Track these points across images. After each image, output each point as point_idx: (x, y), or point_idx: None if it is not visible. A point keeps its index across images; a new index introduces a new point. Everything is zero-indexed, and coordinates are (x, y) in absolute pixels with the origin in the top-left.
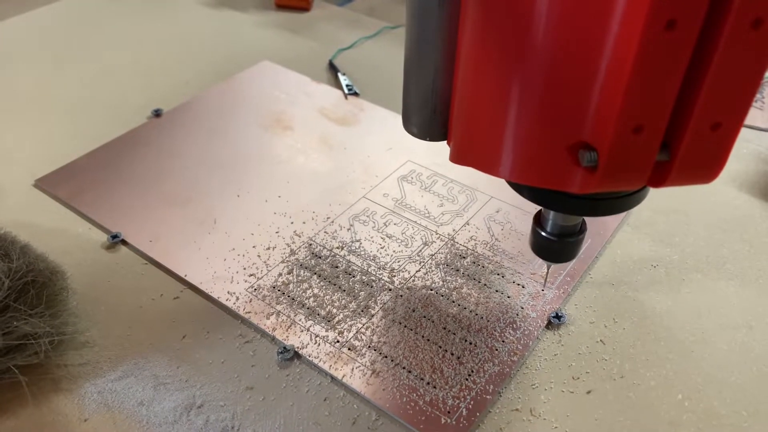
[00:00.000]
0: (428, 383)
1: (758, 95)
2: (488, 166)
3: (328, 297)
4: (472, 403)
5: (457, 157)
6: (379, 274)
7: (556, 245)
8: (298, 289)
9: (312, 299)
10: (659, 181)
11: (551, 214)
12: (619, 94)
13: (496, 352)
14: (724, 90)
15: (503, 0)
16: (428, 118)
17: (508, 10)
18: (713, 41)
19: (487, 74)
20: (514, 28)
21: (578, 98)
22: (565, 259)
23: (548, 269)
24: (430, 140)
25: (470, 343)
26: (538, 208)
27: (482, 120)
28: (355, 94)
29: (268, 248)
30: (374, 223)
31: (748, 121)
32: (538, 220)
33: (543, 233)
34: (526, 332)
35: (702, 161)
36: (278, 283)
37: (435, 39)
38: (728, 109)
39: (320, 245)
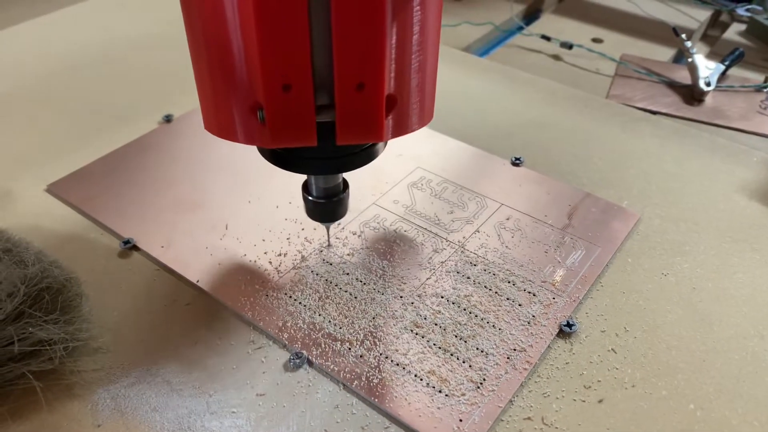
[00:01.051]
0: (439, 391)
1: (767, 103)
2: (218, 132)
3: (339, 304)
4: (483, 411)
5: (204, 124)
6: (390, 281)
7: (322, 206)
8: (310, 295)
9: (323, 306)
10: (335, 138)
11: (312, 179)
12: (256, 55)
13: (508, 359)
14: (353, 51)
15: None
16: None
17: (184, 6)
18: (327, 2)
19: (191, 53)
20: (187, 16)
21: (236, 64)
22: (336, 217)
23: (328, 230)
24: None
25: (481, 351)
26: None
27: (203, 92)
28: None
29: (280, 254)
30: (384, 229)
31: (757, 128)
32: (306, 188)
33: (311, 197)
34: (537, 340)
35: (361, 120)
36: (290, 290)
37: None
38: (365, 69)
39: (331, 251)
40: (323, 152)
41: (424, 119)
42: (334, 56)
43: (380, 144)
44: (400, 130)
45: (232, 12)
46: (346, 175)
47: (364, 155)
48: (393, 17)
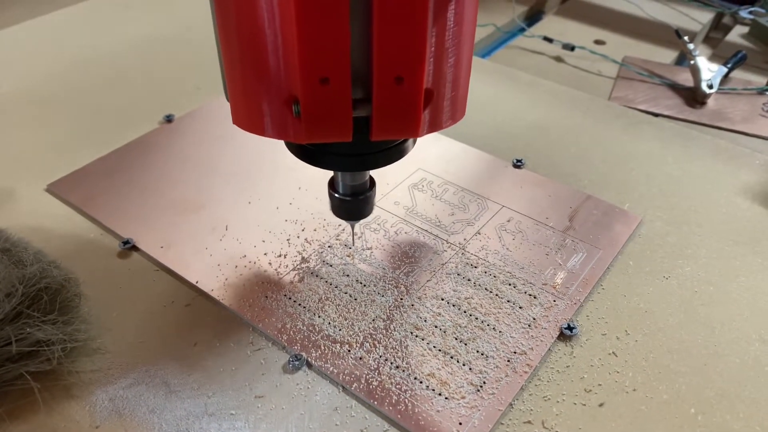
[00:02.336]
0: (439, 394)
1: None
2: (248, 126)
3: (339, 305)
4: (483, 414)
5: (233, 119)
6: (390, 283)
7: (349, 204)
8: (310, 297)
9: (323, 307)
10: (369, 133)
11: (339, 176)
12: (295, 49)
13: (508, 362)
14: (393, 45)
15: None
16: (223, 79)
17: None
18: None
19: (223, 46)
20: (220, 8)
21: (274, 58)
22: (362, 216)
23: (353, 229)
24: (228, 101)
25: (482, 354)
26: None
27: (234, 85)
28: None
29: (280, 255)
30: (385, 231)
31: (759, 131)
32: (332, 185)
33: (337, 195)
34: (538, 343)
35: (397, 114)
36: (290, 291)
37: (211, 8)
38: (405, 63)
39: (331, 253)
40: (355, 148)
41: (457, 115)
42: (374, 49)
43: (410, 141)
44: (434, 125)
45: (271, 4)
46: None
47: (395, 152)
48: (434, 10)
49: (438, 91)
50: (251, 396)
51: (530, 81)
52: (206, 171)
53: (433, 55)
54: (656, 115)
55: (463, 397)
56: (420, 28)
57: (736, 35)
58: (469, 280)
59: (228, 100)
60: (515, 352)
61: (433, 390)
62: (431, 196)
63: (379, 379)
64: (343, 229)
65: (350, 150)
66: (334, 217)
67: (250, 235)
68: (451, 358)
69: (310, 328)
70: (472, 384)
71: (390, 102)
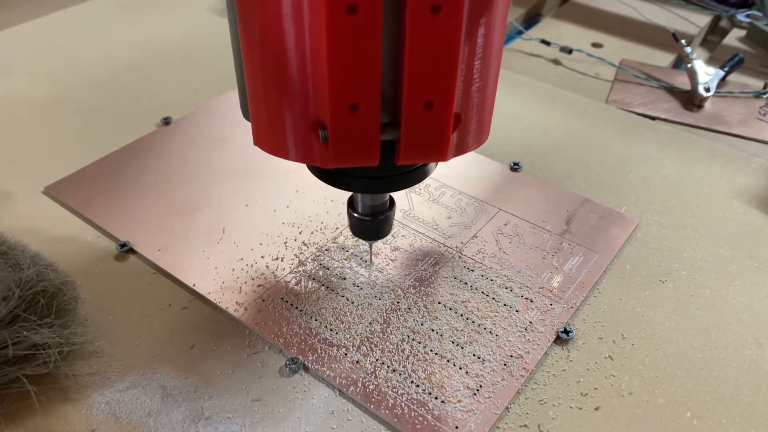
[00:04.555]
0: (436, 398)
1: (766, 109)
2: (271, 149)
3: (336, 309)
4: (480, 418)
5: (254, 140)
6: (387, 286)
7: (368, 224)
8: (307, 300)
9: (320, 311)
10: (396, 157)
11: (359, 196)
12: (325, 76)
13: (504, 366)
14: (424, 71)
15: (240, 11)
16: (243, 100)
17: (243, 19)
18: (401, 26)
19: (247, 67)
20: (247, 30)
21: (302, 83)
22: (381, 235)
23: (370, 248)
24: (248, 120)
25: (478, 358)
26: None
27: (257, 107)
28: None
29: (277, 258)
30: None
31: (756, 134)
32: (352, 204)
33: (356, 215)
34: (534, 347)
35: (426, 139)
36: (286, 294)
37: (233, 29)
38: (435, 89)
39: (328, 256)
40: (379, 171)
41: (482, 138)
42: (405, 75)
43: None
44: (461, 149)
45: (301, 32)
46: None
47: (419, 174)
48: (465, 35)
49: (465, 115)
50: (248, 399)
51: (527, 84)
52: (204, 174)
53: (463, 80)
54: (653, 118)
55: (460, 401)
56: (452, 55)
57: (734, 38)
58: (465, 283)
59: (248, 120)
60: (512, 356)
61: (430, 393)
62: (428, 200)
63: (375, 382)
64: (341, 232)
65: (374, 173)
66: (332, 220)
67: (247, 238)
68: (448, 361)
69: (307, 332)
70: (468, 387)
71: (419, 127)
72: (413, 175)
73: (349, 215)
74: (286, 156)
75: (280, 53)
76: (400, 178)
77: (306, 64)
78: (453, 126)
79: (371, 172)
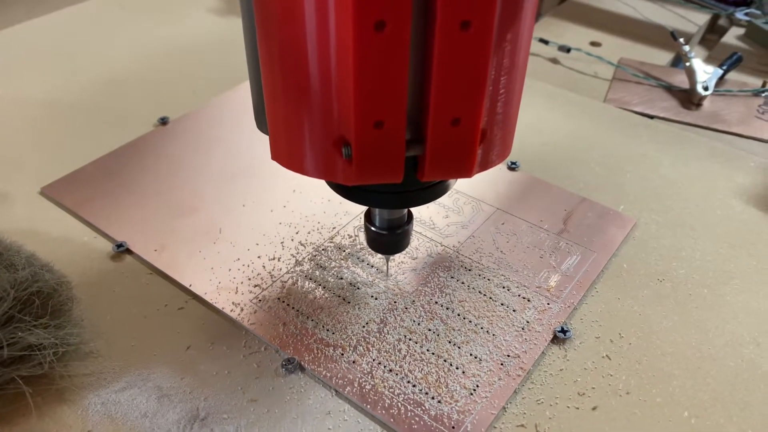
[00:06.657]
0: (433, 398)
1: (765, 107)
2: (291, 165)
3: (332, 309)
4: (477, 418)
5: (272, 154)
6: (384, 286)
7: (385, 238)
8: (303, 300)
9: (317, 311)
10: (420, 174)
11: (377, 210)
12: (350, 93)
13: (501, 366)
14: (452, 87)
15: (260, 23)
16: (258, 113)
17: (263, 33)
18: (430, 42)
19: (266, 82)
20: (267, 44)
21: (325, 100)
22: (399, 249)
23: (387, 262)
24: (264, 133)
25: (475, 357)
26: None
27: (276, 122)
28: None
29: (273, 259)
30: None
31: (754, 133)
32: (369, 217)
33: (373, 228)
34: (531, 346)
35: (452, 155)
36: (283, 294)
37: (249, 40)
38: (462, 105)
39: (325, 256)
40: (402, 186)
41: (506, 152)
42: (432, 92)
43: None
44: (485, 164)
45: (326, 49)
46: None
47: (440, 189)
48: (494, 51)
49: (491, 130)
50: (244, 400)
51: (526, 83)
52: (200, 174)
53: (490, 95)
54: (652, 117)
55: (456, 401)
56: (481, 71)
57: (732, 37)
58: (462, 283)
59: (264, 132)
60: (509, 356)
61: (426, 393)
62: None
63: (372, 382)
64: (338, 232)
65: (394, 188)
66: (329, 219)
67: (244, 238)
68: (445, 361)
69: (304, 332)
70: (465, 387)
71: (445, 143)
72: (433, 191)
73: (366, 229)
74: (306, 172)
75: (303, 69)
76: (421, 194)
77: (330, 81)
78: (479, 142)
79: (392, 187)
